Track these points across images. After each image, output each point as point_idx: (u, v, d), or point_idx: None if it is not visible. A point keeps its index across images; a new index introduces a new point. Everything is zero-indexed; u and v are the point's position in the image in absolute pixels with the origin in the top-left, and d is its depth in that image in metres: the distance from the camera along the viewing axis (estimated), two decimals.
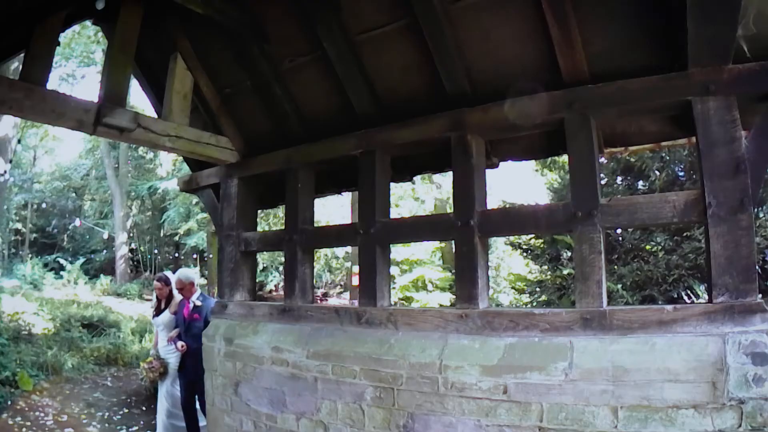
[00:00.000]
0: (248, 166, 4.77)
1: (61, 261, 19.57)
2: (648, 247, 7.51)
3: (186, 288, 5.43)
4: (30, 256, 20.90)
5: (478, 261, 3.38)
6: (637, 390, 2.66)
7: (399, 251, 13.23)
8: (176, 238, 21.40)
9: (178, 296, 5.59)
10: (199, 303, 5.36)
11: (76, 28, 16.04)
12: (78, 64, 21.12)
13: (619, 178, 8.19)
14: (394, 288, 12.54)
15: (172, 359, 5.41)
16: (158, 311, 5.62)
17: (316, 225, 4.73)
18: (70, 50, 19.43)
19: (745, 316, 2.59)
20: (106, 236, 22.94)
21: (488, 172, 3.72)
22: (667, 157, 7.54)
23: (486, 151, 3.72)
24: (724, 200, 2.70)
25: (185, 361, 5.28)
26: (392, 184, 4.27)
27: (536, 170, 10.51)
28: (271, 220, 16.33)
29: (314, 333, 4.00)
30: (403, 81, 3.84)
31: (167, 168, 21.75)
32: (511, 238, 9.42)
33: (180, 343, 5.23)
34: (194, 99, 4.68)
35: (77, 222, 23.76)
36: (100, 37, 16.57)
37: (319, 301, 14.43)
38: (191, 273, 5.80)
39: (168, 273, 6.03)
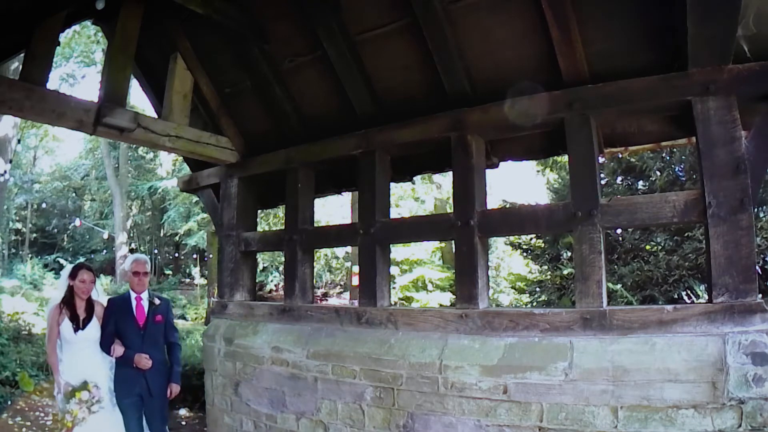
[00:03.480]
0: (248, 166, 4.77)
1: (61, 261, 19.54)
2: (648, 247, 7.51)
3: (147, 277, 3.99)
4: (30, 256, 20.91)
5: (478, 261, 3.38)
6: (637, 390, 2.66)
7: (399, 251, 13.22)
8: (176, 238, 21.41)
9: (98, 297, 3.93)
10: (158, 301, 3.97)
11: (77, 28, 16.05)
12: (78, 64, 21.12)
13: (619, 178, 8.18)
14: (394, 288, 12.54)
15: (105, 384, 3.68)
16: (76, 321, 3.67)
17: (316, 225, 4.73)
18: (70, 50, 19.42)
19: (745, 316, 2.59)
20: (106, 236, 22.93)
21: (488, 172, 3.72)
22: (668, 157, 7.54)
23: (486, 151, 3.72)
24: (724, 200, 2.71)
25: (147, 379, 3.75)
26: (392, 184, 4.28)
27: (538, 171, 10.49)
28: (271, 220, 16.33)
29: (314, 333, 4.00)
30: (403, 81, 3.84)
31: (167, 168, 21.75)
32: (511, 238, 9.42)
33: (143, 356, 3.72)
34: (194, 99, 4.68)
35: (77, 222, 23.75)
36: (100, 37, 16.57)
37: (319, 301, 14.44)
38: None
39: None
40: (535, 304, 8.55)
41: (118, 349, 3.72)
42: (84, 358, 3.66)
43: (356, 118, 4.01)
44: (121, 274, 18.43)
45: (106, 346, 3.74)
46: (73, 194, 26.14)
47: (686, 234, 6.86)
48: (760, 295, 2.66)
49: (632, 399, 2.67)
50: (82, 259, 19.94)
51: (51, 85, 3.85)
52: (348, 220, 11.52)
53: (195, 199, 13.64)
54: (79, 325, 3.67)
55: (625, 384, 2.69)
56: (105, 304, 3.91)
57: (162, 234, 23.10)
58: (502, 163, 4.04)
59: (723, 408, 2.50)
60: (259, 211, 5.54)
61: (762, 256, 6.39)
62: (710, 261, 2.73)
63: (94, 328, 3.74)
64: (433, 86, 3.64)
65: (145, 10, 4.08)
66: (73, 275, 3.74)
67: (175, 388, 3.92)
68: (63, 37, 4.30)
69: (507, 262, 16.75)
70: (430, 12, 3.32)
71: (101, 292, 4.01)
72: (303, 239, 4.32)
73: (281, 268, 14.21)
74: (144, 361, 3.73)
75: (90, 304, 3.77)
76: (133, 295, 3.90)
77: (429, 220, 5.02)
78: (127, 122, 4.00)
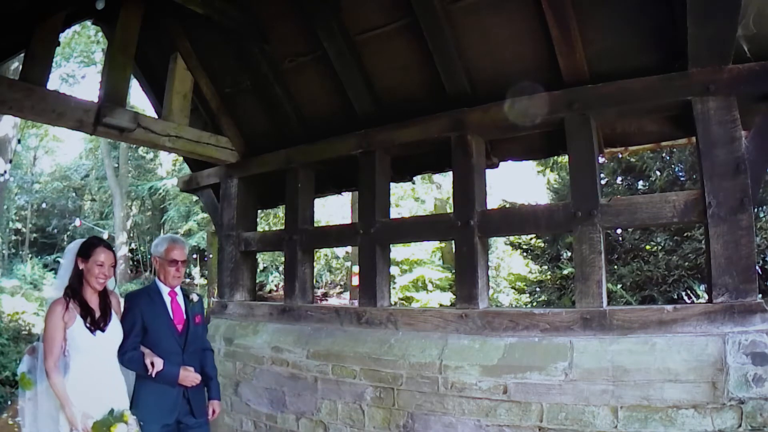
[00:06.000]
0: (248, 166, 4.77)
1: (61, 261, 19.52)
2: (648, 247, 7.51)
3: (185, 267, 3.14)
4: (30, 256, 20.90)
5: (478, 261, 3.38)
6: (637, 390, 2.66)
7: (399, 251, 13.21)
8: None
9: (113, 287, 2.86)
10: (195, 297, 3.11)
11: (76, 28, 16.06)
12: (78, 64, 21.13)
13: (619, 178, 8.19)
14: (394, 288, 12.54)
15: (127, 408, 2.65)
16: (92, 318, 2.60)
17: (316, 225, 4.73)
18: (70, 50, 19.43)
19: (745, 316, 2.59)
20: (106, 236, 22.86)
21: (488, 172, 3.72)
22: (668, 157, 7.54)
23: (486, 151, 3.72)
24: (724, 200, 2.70)
25: (189, 398, 2.91)
26: (392, 184, 4.27)
27: (538, 171, 10.50)
28: (271, 220, 16.33)
29: (314, 333, 4.00)
30: (403, 81, 3.84)
31: (167, 168, 21.76)
32: (511, 238, 9.42)
33: (189, 370, 2.87)
34: (194, 99, 4.68)
35: (77, 222, 23.73)
36: (100, 37, 16.58)
37: (319, 301, 14.43)
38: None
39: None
40: (535, 304, 8.56)
41: (159, 363, 2.71)
42: (104, 374, 2.59)
43: (356, 118, 4.01)
44: (117, 271, 18.40)
45: (133, 360, 2.73)
46: (73, 194, 26.13)
47: (686, 234, 6.87)
48: (760, 295, 2.66)
49: (632, 399, 2.67)
50: None
51: (51, 85, 3.86)
52: (348, 220, 11.52)
53: (195, 199, 13.65)
54: (96, 323, 2.59)
55: (625, 384, 2.69)
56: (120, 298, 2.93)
57: (162, 234, 23.10)
58: (502, 163, 4.04)
59: (723, 408, 2.49)
60: (259, 211, 5.54)
61: (762, 256, 6.39)
62: (710, 261, 2.73)
63: (116, 330, 2.69)
64: (433, 86, 3.64)
65: (145, 10, 4.08)
66: (85, 254, 2.66)
67: (218, 407, 3.10)
68: (63, 37, 4.30)
69: (507, 262, 16.74)
70: (430, 12, 3.32)
71: (114, 284, 2.91)
72: (303, 239, 4.31)
73: (281, 268, 14.20)
74: (192, 376, 2.86)
75: (105, 297, 2.73)
76: (164, 289, 2.96)
77: (429, 220, 5.02)
78: (127, 122, 3.99)
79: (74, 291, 2.61)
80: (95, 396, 2.47)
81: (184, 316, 2.97)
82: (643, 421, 2.63)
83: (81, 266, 2.65)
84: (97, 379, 2.53)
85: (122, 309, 2.87)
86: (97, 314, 2.63)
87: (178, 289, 3.01)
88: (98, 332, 2.58)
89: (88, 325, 2.55)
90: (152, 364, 2.69)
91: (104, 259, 2.66)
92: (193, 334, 2.97)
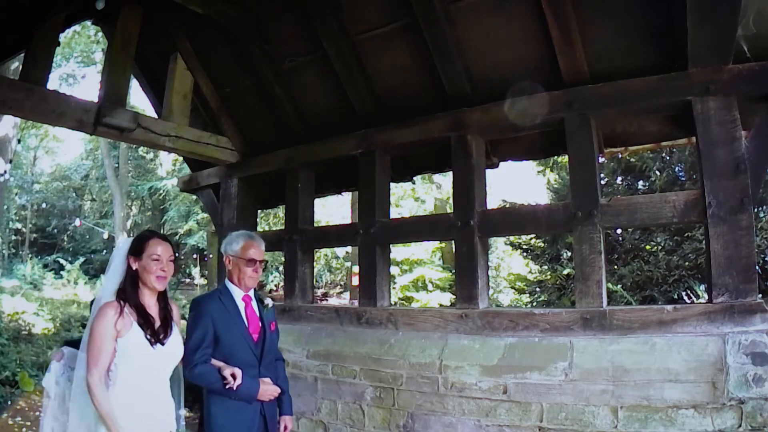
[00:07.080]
0: (248, 166, 4.77)
1: (61, 261, 19.55)
2: (648, 247, 7.51)
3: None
4: (30, 256, 20.92)
5: (478, 261, 3.38)
6: (637, 390, 2.66)
7: (399, 251, 13.20)
8: (176, 238, 21.41)
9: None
10: (269, 302, 2.68)
11: (77, 28, 16.06)
12: (78, 64, 21.15)
13: (619, 178, 8.19)
14: (394, 288, 12.53)
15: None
16: (151, 328, 2.15)
17: (316, 225, 4.73)
18: (70, 50, 19.45)
19: (745, 316, 2.59)
20: (106, 236, 22.91)
21: (488, 172, 3.72)
22: (668, 158, 7.54)
23: (486, 151, 3.72)
24: (724, 200, 2.71)
25: (265, 414, 2.53)
26: (392, 184, 4.28)
27: (538, 171, 10.50)
28: (271, 220, 16.33)
29: (314, 333, 4.00)
30: (403, 81, 3.84)
31: (167, 168, 21.77)
32: (511, 238, 9.42)
33: (268, 382, 2.52)
34: (194, 99, 4.68)
35: (77, 222, 23.74)
36: (100, 37, 16.58)
37: (319, 301, 14.43)
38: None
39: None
40: (535, 304, 8.55)
41: (240, 376, 2.32)
42: (154, 394, 2.16)
43: (356, 118, 4.01)
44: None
45: (205, 374, 2.33)
46: (73, 194, 26.15)
47: (686, 234, 6.86)
48: (760, 295, 2.66)
49: (632, 399, 2.67)
50: (82, 260, 19.79)
51: (51, 85, 3.86)
52: (348, 220, 11.52)
53: (195, 199, 13.65)
54: (156, 335, 2.15)
55: (625, 384, 2.69)
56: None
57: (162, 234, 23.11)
58: (502, 163, 4.04)
59: (723, 408, 2.49)
60: (259, 211, 5.54)
61: (762, 256, 6.39)
62: (710, 261, 2.73)
63: (176, 344, 2.25)
64: (433, 86, 3.64)
65: (145, 10, 4.09)
66: (136, 250, 2.21)
67: (290, 422, 2.71)
68: (63, 37, 4.30)
69: (507, 262, 16.73)
70: (430, 12, 3.32)
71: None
72: (303, 239, 4.31)
73: (281, 268, 14.21)
74: (271, 389, 2.51)
75: (166, 304, 2.29)
76: (237, 293, 2.55)
77: (429, 220, 5.02)
78: (127, 122, 4.00)
79: (128, 295, 2.16)
80: (137, 417, 2.07)
81: (260, 324, 2.57)
82: (643, 421, 2.64)
83: (134, 266, 2.20)
84: (145, 398, 2.12)
85: (183, 317, 2.52)
86: (158, 324, 2.19)
87: (251, 293, 2.60)
88: (158, 345, 2.14)
89: (148, 336, 2.12)
90: (233, 375, 2.30)
91: (161, 252, 2.21)
92: (270, 344, 2.58)
